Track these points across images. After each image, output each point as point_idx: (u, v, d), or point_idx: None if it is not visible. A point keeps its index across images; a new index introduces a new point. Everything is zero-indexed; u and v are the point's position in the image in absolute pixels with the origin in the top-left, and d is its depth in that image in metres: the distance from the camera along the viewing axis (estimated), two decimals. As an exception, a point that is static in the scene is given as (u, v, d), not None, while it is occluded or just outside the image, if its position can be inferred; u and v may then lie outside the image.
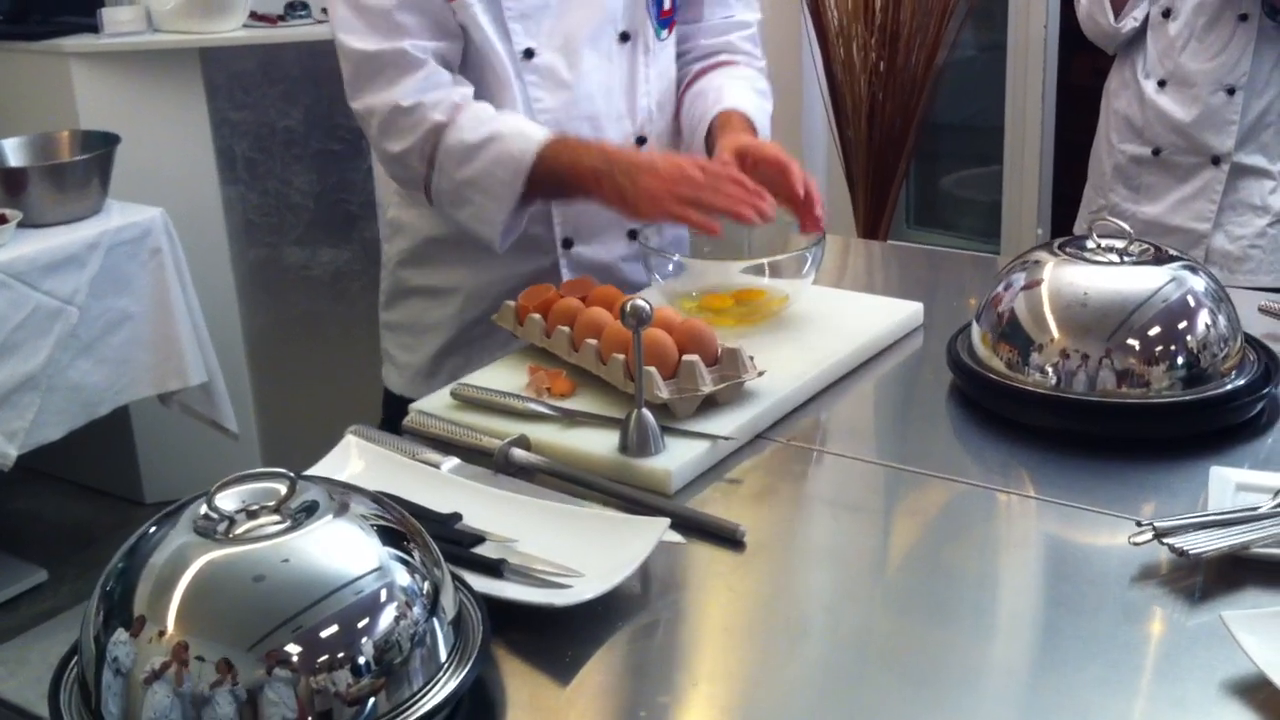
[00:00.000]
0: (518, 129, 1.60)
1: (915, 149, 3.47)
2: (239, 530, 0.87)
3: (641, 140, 1.77)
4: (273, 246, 3.39)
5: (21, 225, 2.72)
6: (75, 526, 3.42)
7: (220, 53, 3.23)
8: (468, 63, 1.67)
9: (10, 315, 2.62)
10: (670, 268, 1.60)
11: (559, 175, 1.57)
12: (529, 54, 1.67)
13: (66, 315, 2.72)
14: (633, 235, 1.78)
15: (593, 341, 1.41)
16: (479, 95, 1.65)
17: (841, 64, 3.39)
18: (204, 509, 0.89)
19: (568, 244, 1.75)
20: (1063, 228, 3.21)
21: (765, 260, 1.53)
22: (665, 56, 1.79)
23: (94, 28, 3.25)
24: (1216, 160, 2.53)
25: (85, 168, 2.83)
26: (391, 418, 1.40)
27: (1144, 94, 2.57)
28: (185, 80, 3.24)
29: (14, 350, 2.63)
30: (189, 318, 2.92)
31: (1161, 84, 2.55)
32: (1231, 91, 2.48)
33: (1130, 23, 2.56)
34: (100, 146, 2.90)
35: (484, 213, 1.61)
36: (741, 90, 1.80)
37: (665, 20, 1.78)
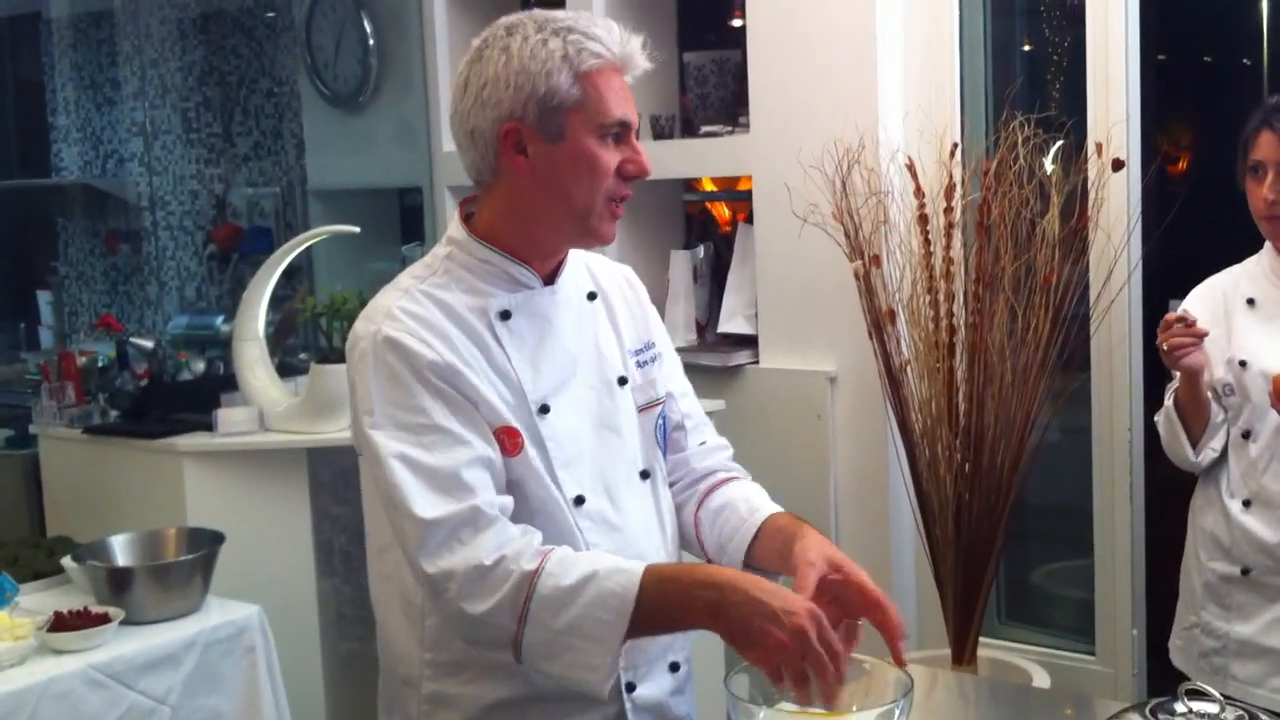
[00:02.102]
0: (613, 564, 1.60)
1: (1004, 549, 3.47)
2: None
3: None
4: (363, 639, 3.42)
5: (122, 623, 2.79)
6: None
7: (327, 452, 3.37)
8: (523, 517, 1.67)
9: (104, 715, 2.65)
10: (761, 717, 1.60)
11: (667, 608, 1.58)
12: (579, 500, 1.72)
13: (159, 715, 2.75)
14: (674, 668, 1.80)
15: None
16: None
17: (927, 464, 3.44)
18: None
19: (630, 688, 1.74)
20: (1158, 630, 3.16)
21: (853, 715, 1.53)
22: (667, 488, 1.88)
23: (208, 426, 3.42)
24: (1308, 581, 2.51)
25: (190, 567, 2.92)
26: None
27: (1229, 513, 2.58)
28: (291, 478, 3.38)
29: (105, 751, 2.65)
30: (276, 717, 2.94)
31: (1246, 504, 2.56)
32: (1319, 513, 2.49)
33: (1209, 454, 2.60)
34: (206, 544, 3.00)
35: (588, 658, 1.57)
36: (767, 498, 1.87)
37: (665, 453, 1.89)
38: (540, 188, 1.69)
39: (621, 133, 1.69)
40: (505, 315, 1.72)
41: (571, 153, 1.67)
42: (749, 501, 1.86)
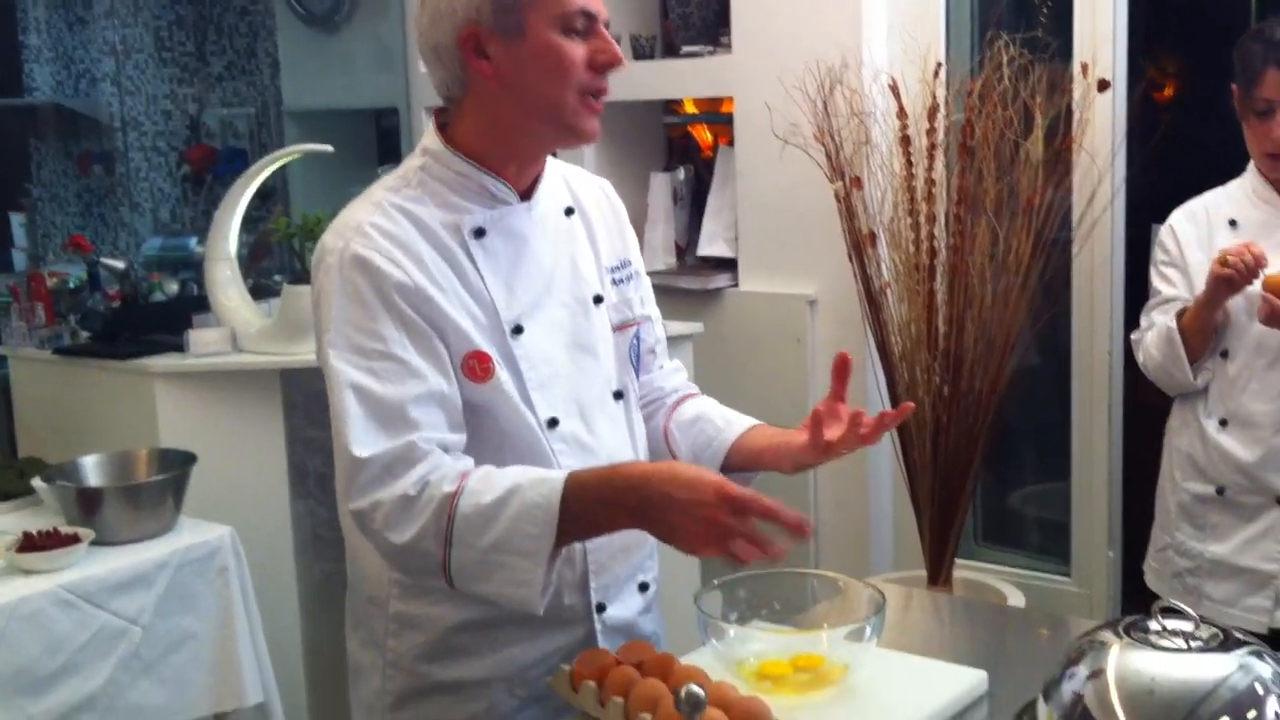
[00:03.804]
0: (536, 475, 1.55)
1: (981, 472, 3.46)
2: None
3: None
4: (337, 561, 3.39)
5: (93, 543, 2.77)
6: None
7: (300, 373, 3.33)
8: (491, 443, 1.64)
9: (75, 635, 2.64)
10: (732, 634, 1.58)
11: (592, 513, 1.53)
12: (553, 423, 1.68)
13: (130, 635, 2.73)
14: (643, 588, 1.80)
15: (647, 716, 1.39)
16: None
17: (905, 387, 3.43)
18: None
19: (600, 608, 1.73)
20: (1135, 552, 3.17)
21: (824, 632, 1.52)
22: (639, 409, 1.87)
23: (180, 347, 3.37)
24: (1281, 500, 2.51)
25: (160, 488, 2.89)
26: None
27: (1205, 433, 2.57)
28: (264, 399, 3.33)
29: (76, 670, 2.63)
30: (250, 637, 2.93)
31: (1223, 423, 2.55)
32: (1295, 432, 2.48)
33: (1205, 375, 2.58)
34: (177, 465, 2.97)
35: (519, 574, 1.51)
36: (736, 413, 1.89)
37: (637, 374, 1.88)
38: (508, 90, 1.64)
39: (587, 24, 1.63)
40: (480, 233, 1.67)
41: (534, 48, 1.61)
42: (724, 415, 1.88)
